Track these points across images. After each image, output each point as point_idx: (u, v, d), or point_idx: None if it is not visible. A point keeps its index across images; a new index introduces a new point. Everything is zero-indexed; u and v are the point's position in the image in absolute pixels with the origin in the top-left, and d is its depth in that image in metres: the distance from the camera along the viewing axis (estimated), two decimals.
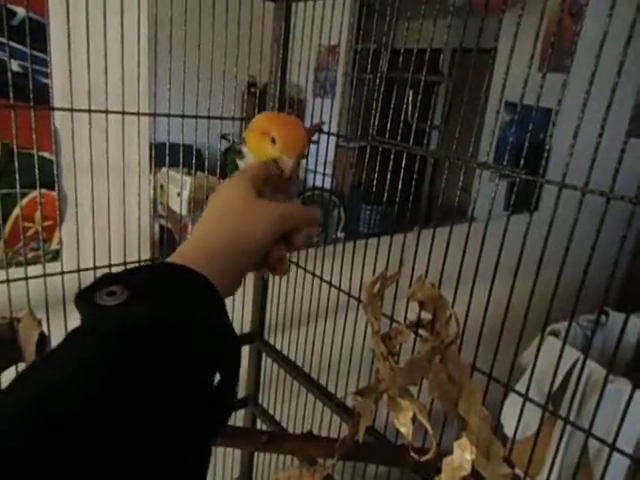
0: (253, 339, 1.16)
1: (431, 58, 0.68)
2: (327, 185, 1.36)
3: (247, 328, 1.17)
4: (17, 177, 0.76)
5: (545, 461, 1.26)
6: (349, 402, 0.88)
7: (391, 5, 0.71)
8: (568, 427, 0.60)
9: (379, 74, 0.77)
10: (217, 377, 0.30)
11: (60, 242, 0.93)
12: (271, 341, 1.15)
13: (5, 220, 0.86)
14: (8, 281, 0.77)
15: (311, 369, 1.01)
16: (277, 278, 1.09)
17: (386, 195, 0.76)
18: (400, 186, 0.74)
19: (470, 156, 0.64)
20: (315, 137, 0.75)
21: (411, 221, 0.77)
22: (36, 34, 0.81)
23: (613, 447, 0.54)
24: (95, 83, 0.82)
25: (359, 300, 0.81)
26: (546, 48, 0.57)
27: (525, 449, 0.64)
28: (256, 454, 1.24)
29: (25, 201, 0.86)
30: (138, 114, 0.86)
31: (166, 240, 1.07)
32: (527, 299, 0.59)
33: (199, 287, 0.32)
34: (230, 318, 0.33)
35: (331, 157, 1.33)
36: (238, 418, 1.26)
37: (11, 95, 0.72)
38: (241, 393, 1.22)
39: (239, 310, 1.09)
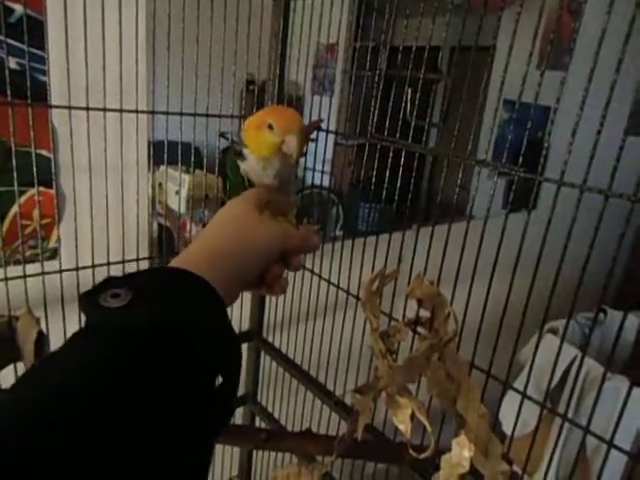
0: (252, 337, 1.16)
1: (430, 56, 0.68)
2: (326, 183, 1.35)
3: (246, 326, 1.17)
4: (15, 175, 0.76)
5: (543, 458, 1.26)
6: (348, 400, 0.88)
7: (390, 3, 0.71)
8: (566, 424, 0.60)
9: (378, 72, 0.77)
10: (219, 379, 0.30)
11: (58, 240, 0.93)
12: (270, 339, 1.15)
13: (3, 218, 0.86)
14: (6, 279, 0.77)
15: (310, 367, 1.01)
16: None
17: (385, 193, 0.76)
18: (399, 184, 0.74)
19: (469, 154, 0.64)
20: (314, 135, 0.75)
21: (410, 219, 0.77)
22: (34, 31, 0.80)
23: (611, 444, 0.54)
24: (93, 80, 0.82)
25: (358, 298, 0.81)
26: (545, 45, 0.57)
27: (523, 446, 0.64)
28: (255, 452, 1.24)
29: (23, 199, 0.86)
30: (136, 112, 0.86)
31: (165, 238, 1.07)
32: (525, 297, 0.59)
33: (201, 291, 0.33)
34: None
35: (330, 155, 1.32)
36: (237, 416, 1.27)
37: (8, 92, 0.72)
38: (240, 391, 1.22)
39: (238, 308, 1.09)
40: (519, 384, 0.66)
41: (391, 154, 0.74)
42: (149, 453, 0.24)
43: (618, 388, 1.21)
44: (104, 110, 0.81)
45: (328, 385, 0.96)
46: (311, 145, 0.89)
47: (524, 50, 0.56)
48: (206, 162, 0.93)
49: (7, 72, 0.73)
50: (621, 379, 1.35)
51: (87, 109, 0.80)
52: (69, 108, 0.79)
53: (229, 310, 0.34)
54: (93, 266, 0.87)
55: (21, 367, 0.73)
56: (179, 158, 0.89)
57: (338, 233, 1.47)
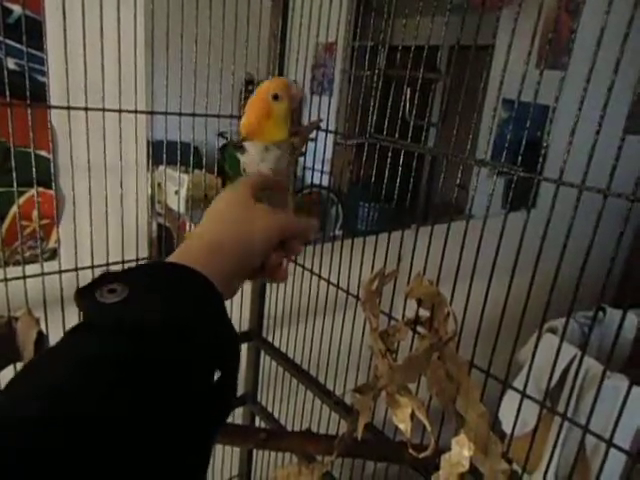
0: (251, 337, 1.16)
1: (429, 55, 0.68)
2: (325, 182, 1.35)
3: (245, 326, 1.17)
4: (14, 175, 0.76)
5: (543, 457, 1.26)
6: (348, 399, 0.88)
7: (388, 2, 0.71)
8: (565, 423, 0.61)
9: (377, 71, 0.77)
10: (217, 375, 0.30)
11: (58, 241, 0.93)
12: (269, 339, 1.15)
13: (2, 218, 0.85)
14: (6, 280, 0.77)
15: (310, 367, 1.01)
16: None
17: (384, 192, 0.76)
18: (398, 183, 0.74)
19: (468, 153, 0.64)
20: (313, 134, 0.75)
21: (409, 218, 0.77)
22: (32, 32, 0.80)
23: (610, 443, 0.54)
24: (92, 81, 0.81)
25: (357, 297, 0.81)
26: (543, 45, 0.58)
27: (523, 445, 0.64)
28: (255, 452, 1.24)
29: (22, 200, 0.86)
30: (135, 112, 0.86)
31: (164, 238, 1.07)
32: (525, 296, 0.59)
33: (198, 285, 0.33)
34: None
35: (329, 154, 1.32)
36: (237, 416, 1.27)
37: (7, 93, 0.72)
38: (240, 391, 1.22)
39: (237, 308, 1.09)
40: (519, 383, 0.66)
41: (390, 154, 0.74)
42: (149, 450, 0.24)
43: (617, 387, 1.21)
44: (103, 110, 0.81)
45: (328, 385, 0.96)
46: (311, 145, 0.89)
47: (523, 49, 0.56)
48: (205, 162, 0.93)
49: (6, 73, 0.73)
50: (620, 378, 1.35)
51: (86, 109, 0.80)
52: (68, 109, 0.79)
53: (229, 309, 0.34)
54: (93, 267, 0.87)
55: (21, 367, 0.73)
56: (178, 158, 0.89)
57: (337, 232, 1.47)
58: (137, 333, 0.27)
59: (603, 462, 0.54)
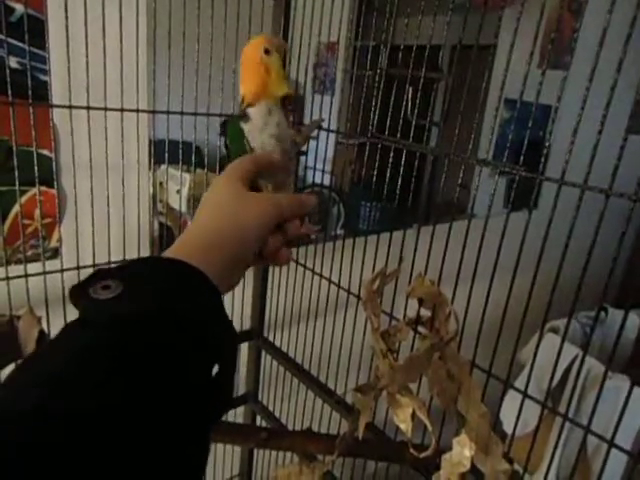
0: (253, 336, 1.16)
1: (430, 55, 0.68)
2: (327, 182, 1.35)
3: (247, 325, 1.17)
4: (16, 174, 0.76)
5: (544, 457, 1.26)
6: (349, 399, 0.88)
7: (390, 1, 0.71)
8: (567, 423, 0.60)
9: (378, 71, 0.77)
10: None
11: (60, 240, 0.93)
12: (271, 338, 1.15)
13: (5, 217, 0.86)
14: (8, 279, 0.77)
15: (311, 366, 1.01)
16: (277, 275, 1.09)
17: (385, 192, 0.76)
18: (399, 183, 0.74)
19: (470, 153, 0.64)
20: (314, 134, 0.75)
21: (411, 218, 0.77)
22: (34, 31, 0.80)
23: (611, 443, 0.54)
24: (94, 80, 0.82)
25: (359, 297, 0.81)
26: (546, 45, 0.57)
27: (524, 445, 0.64)
28: (256, 451, 1.24)
29: (24, 198, 0.86)
30: (137, 111, 0.86)
31: (166, 237, 1.07)
32: (526, 296, 0.59)
33: (193, 279, 0.33)
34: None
35: (331, 154, 1.33)
36: (238, 415, 1.27)
37: (9, 92, 0.72)
38: (241, 390, 1.23)
39: (239, 307, 1.09)
40: (520, 383, 0.66)
41: (392, 153, 0.74)
42: (145, 439, 0.24)
43: (619, 387, 1.21)
44: (105, 109, 0.81)
45: (329, 384, 0.96)
46: (312, 144, 0.89)
47: (525, 49, 0.56)
48: (207, 161, 0.93)
49: (8, 71, 0.73)
50: (622, 378, 1.35)
51: (88, 108, 0.80)
52: (70, 107, 0.79)
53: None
54: (94, 265, 0.87)
55: None
56: (180, 157, 0.89)
57: (339, 232, 1.47)
58: (131, 325, 0.27)
59: (604, 462, 0.54)
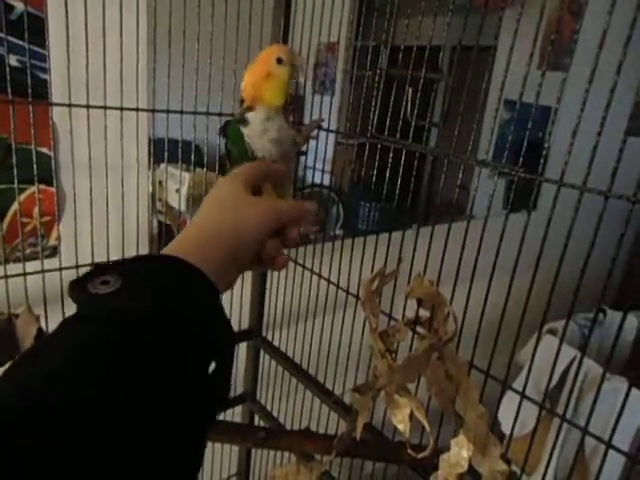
0: (251, 335, 1.16)
1: (430, 55, 0.68)
2: (326, 182, 1.35)
3: (245, 325, 1.17)
4: (15, 173, 0.76)
5: (542, 458, 1.26)
6: (347, 399, 0.88)
7: (391, 2, 0.71)
8: (565, 425, 0.61)
9: (378, 71, 0.77)
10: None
11: (58, 238, 0.93)
12: (269, 338, 1.15)
13: (3, 216, 0.85)
14: (6, 277, 0.77)
15: (309, 366, 1.01)
16: (276, 274, 1.09)
17: (385, 192, 0.76)
18: (399, 183, 0.74)
19: (469, 154, 0.64)
20: (314, 133, 0.75)
21: (410, 218, 0.77)
22: (34, 29, 0.80)
23: (609, 445, 0.54)
24: (94, 78, 0.81)
25: (357, 297, 0.81)
26: (545, 46, 0.57)
27: (522, 446, 0.64)
28: (254, 450, 1.24)
29: (23, 197, 0.86)
30: (137, 110, 0.86)
31: (165, 236, 1.07)
32: (525, 297, 0.59)
33: (191, 276, 0.33)
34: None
35: (330, 154, 1.32)
36: (236, 414, 1.27)
37: (9, 90, 0.72)
38: (239, 389, 1.23)
39: (237, 306, 1.09)
40: (518, 384, 0.66)
41: (391, 153, 0.74)
42: (143, 435, 0.24)
43: (617, 389, 1.21)
44: (104, 108, 0.81)
45: (327, 384, 0.96)
46: (312, 144, 0.89)
47: (525, 50, 0.56)
48: (207, 160, 0.93)
49: (8, 69, 0.73)
50: (620, 380, 1.35)
51: (87, 107, 0.80)
52: (69, 106, 0.79)
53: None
54: (93, 264, 0.87)
55: None
56: (179, 156, 0.89)
57: (338, 232, 1.47)
58: (130, 321, 0.27)
59: (602, 464, 0.54)
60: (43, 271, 0.81)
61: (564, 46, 1.61)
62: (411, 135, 0.72)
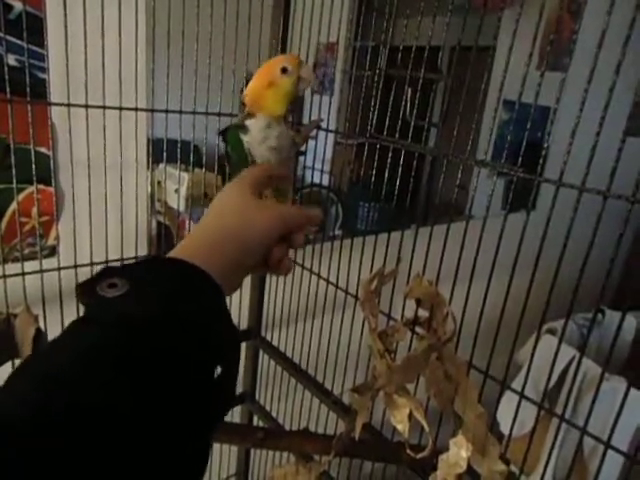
0: (250, 336, 1.16)
1: (430, 56, 0.68)
2: (325, 182, 1.35)
3: (244, 325, 1.17)
4: (14, 172, 0.76)
5: (540, 458, 1.26)
6: (346, 399, 0.88)
7: (390, 2, 0.71)
8: (563, 425, 0.61)
9: (378, 71, 0.77)
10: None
11: (57, 238, 0.93)
12: (268, 338, 1.15)
13: (2, 215, 0.85)
14: (5, 277, 0.77)
15: (308, 366, 1.01)
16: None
17: (384, 192, 0.76)
18: (398, 183, 0.74)
19: (468, 154, 0.64)
20: (313, 133, 0.75)
21: (409, 218, 0.77)
22: (33, 28, 0.80)
23: (608, 445, 0.54)
24: (92, 78, 0.81)
25: (356, 297, 0.81)
26: (545, 46, 0.57)
27: (521, 446, 0.64)
28: (252, 451, 1.24)
29: (22, 196, 0.85)
30: (136, 109, 0.86)
31: (163, 236, 1.07)
32: (524, 297, 0.59)
33: (198, 280, 0.33)
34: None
35: (329, 154, 1.32)
36: (235, 415, 1.27)
37: (8, 90, 0.72)
38: (238, 389, 1.22)
39: (237, 306, 1.09)
40: (517, 384, 0.66)
41: (390, 154, 0.74)
42: (148, 439, 0.24)
43: (616, 389, 1.21)
44: (103, 108, 0.81)
45: (326, 384, 0.96)
46: (311, 144, 0.89)
47: (524, 51, 0.56)
48: (205, 160, 0.93)
49: (6, 69, 0.73)
50: (619, 380, 1.35)
51: (86, 107, 0.80)
52: (68, 106, 0.79)
53: (228, 307, 0.34)
54: (92, 264, 0.87)
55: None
56: (178, 156, 0.89)
57: (337, 232, 1.47)
58: (137, 325, 0.27)
59: (601, 464, 0.54)
60: (42, 271, 0.81)
61: (563, 46, 1.61)
62: (410, 135, 0.72)
